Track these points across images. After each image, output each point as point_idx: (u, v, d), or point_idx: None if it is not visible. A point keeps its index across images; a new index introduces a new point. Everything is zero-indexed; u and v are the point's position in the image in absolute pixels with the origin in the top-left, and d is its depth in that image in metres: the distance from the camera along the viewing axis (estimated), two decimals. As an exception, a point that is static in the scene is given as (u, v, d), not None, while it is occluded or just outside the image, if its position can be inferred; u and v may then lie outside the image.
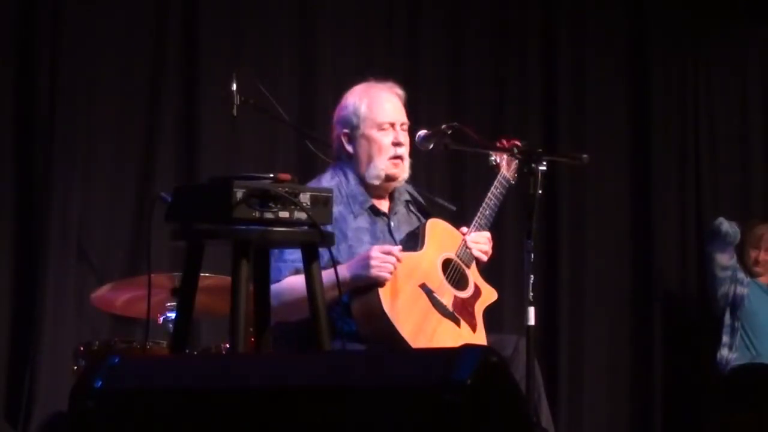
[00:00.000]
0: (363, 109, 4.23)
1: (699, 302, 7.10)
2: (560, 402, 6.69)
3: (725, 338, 6.65)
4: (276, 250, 4.04)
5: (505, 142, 4.46)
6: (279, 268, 4.05)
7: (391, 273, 4.02)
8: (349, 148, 4.24)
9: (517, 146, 4.38)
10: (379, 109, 4.24)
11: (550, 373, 6.45)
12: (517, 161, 4.32)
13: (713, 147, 7.36)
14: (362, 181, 4.25)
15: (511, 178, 4.39)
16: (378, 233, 4.24)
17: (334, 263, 3.68)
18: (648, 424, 7.03)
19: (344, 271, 4.03)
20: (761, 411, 6.32)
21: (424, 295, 4.11)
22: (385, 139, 4.23)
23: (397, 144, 4.23)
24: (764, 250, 6.81)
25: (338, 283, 3.65)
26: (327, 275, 3.67)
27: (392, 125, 4.25)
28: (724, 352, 6.63)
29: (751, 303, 6.71)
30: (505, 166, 4.40)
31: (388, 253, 4.03)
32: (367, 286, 4.04)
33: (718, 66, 7.42)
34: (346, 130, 4.25)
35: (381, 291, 4.01)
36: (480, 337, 4.17)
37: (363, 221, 4.23)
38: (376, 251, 4.03)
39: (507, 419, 2.59)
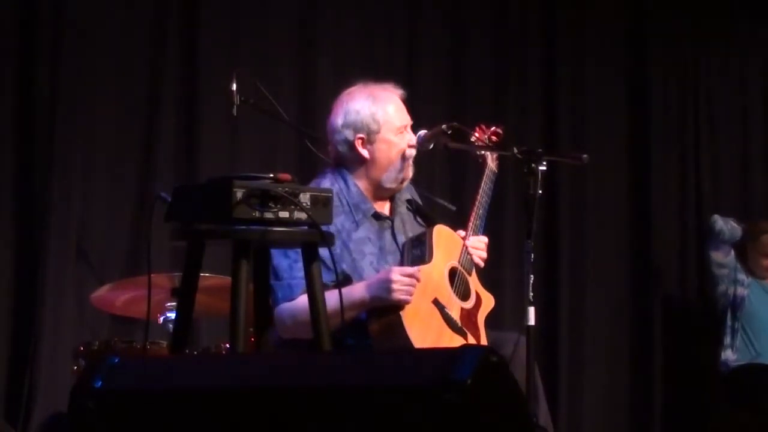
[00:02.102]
0: (381, 114, 4.18)
1: (699, 302, 7.10)
2: (560, 402, 6.69)
3: (727, 339, 6.64)
4: (285, 265, 4.02)
5: (484, 127, 4.47)
6: (290, 285, 4.03)
7: (411, 295, 3.99)
8: (365, 153, 4.18)
9: (498, 134, 4.39)
10: (395, 112, 4.22)
11: (550, 373, 6.45)
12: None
13: (713, 147, 7.37)
14: (368, 185, 4.21)
15: (495, 169, 4.38)
16: (380, 241, 4.22)
17: (339, 285, 3.68)
18: (648, 424, 7.03)
19: (363, 291, 4.01)
20: (762, 411, 6.33)
21: (437, 312, 4.08)
22: (403, 142, 4.21)
23: (411, 146, 4.23)
24: None
25: (341, 308, 3.63)
26: (345, 296, 3.68)
27: (405, 128, 4.25)
28: (727, 354, 6.62)
29: (752, 304, 6.71)
30: (490, 157, 4.39)
31: (410, 276, 4.00)
32: (385, 306, 4.01)
33: (718, 66, 7.42)
34: (361, 135, 4.18)
35: (403, 314, 3.99)
36: None
37: (365, 230, 4.19)
38: (396, 274, 3.99)
39: (507, 419, 2.59)
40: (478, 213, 4.28)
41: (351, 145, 4.20)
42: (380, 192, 4.24)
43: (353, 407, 2.57)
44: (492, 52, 6.83)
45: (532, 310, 3.96)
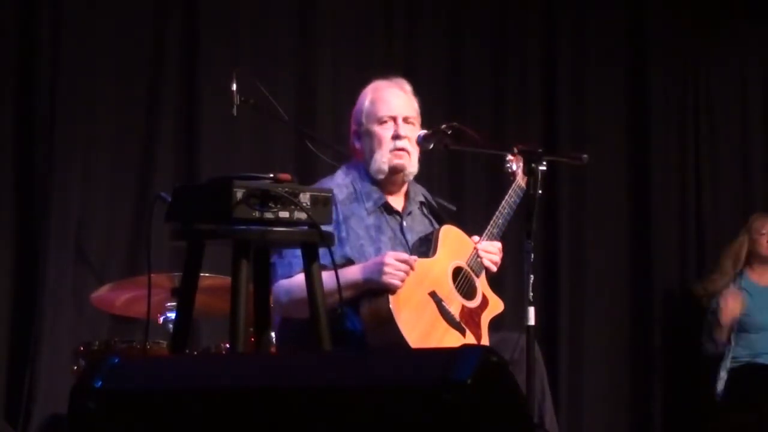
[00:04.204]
0: (366, 105, 4.28)
1: (699, 302, 7.09)
2: (560, 401, 6.68)
3: (722, 373, 6.60)
4: None
5: (521, 146, 4.47)
6: (291, 263, 4.06)
7: (402, 281, 4.02)
8: (357, 145, 4.30)
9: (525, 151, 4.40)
10: (380, 103, 4.27)
11: (550, 373, 6.44)
12: None
13: (713, 147, 7.36)
14: (372, 177, 4.29)
15: (525, 186, 4.37)
16: (389, 231, 4.25)
17: (335, 266, 3.69)
18: (648, 424, 7.03)
19: (357, 272, 4.06)
20: (761, 411, 6.32)
21: (433, 303, 4.10)
22: (385, 132, 4.25)
23: (396, 137, 4.24)
24: None
25: (339, 287, 3.63)
26: (334, 276, 3.68)
27: (393, 119, 4.26)
28: (719, 386, 6.58)
29: (748, 304, 6.68)
30: (521, 174, 4.37)
31: (404, 262, 4.03)
32: (378, 290, 4.03)
33: (718, 66, 7.42)
34: (355, 128, 4.31)
35: (391, 297, 4.01)
36: None
37: (375, 218, 4.25)
38: (390, 258, 4.03)
39: (507, 419, 2.59)
40: (497, 222, 4.31)
41: (351, 139, 4.35)
42: (384, 185, 4.29)
43: (353, 407, 2.57)
44: (492, 51, 6.82)
45: (532, 310, 3.96)
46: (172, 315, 4.79)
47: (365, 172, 4.28)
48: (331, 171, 4.42)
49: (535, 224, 4.03)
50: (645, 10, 7.21)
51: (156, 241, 3.62)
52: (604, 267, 7.02)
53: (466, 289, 4.20)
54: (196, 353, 4.92)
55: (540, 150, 4.11)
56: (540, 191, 4.02)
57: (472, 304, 4.20)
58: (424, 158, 4.42)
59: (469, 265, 4.21)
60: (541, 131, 6.89)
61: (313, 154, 4.71)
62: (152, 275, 3.66)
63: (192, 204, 3.47)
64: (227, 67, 4.72)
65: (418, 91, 4.41)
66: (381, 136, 4.24)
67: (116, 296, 5.07)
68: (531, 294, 3.96)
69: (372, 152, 4.25)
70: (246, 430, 2.65)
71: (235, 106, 4.42)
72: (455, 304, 4.15)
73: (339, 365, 2.73)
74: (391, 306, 3.99)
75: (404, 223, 4.30)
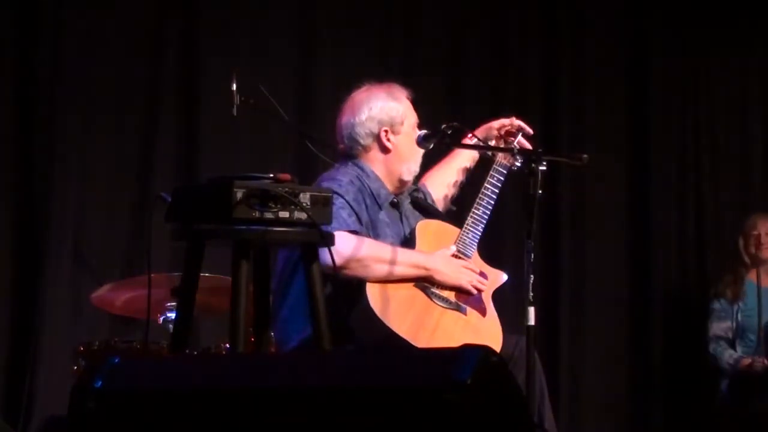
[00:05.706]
0: (403, 109, 4.37)
1: (698, 302, 7.09)
2: (560, 401, 6.68)
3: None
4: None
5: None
6: (345, 221, 4.11)
7: (477, 291, 4.24)
8: (389, 145, 4.33)
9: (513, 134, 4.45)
10: (411, 109, 4.40)
11: (550, 373, 6.45)
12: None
13: (713, 146, 7.36)
14: (387, 176, 4.34)
15: (508, 164, 4.40)
16: (396, 227, 4.34)
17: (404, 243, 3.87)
18: (648, 423, 7.03)
19: (426, 257, 4.19)
20: (761, 411, 6.32)
21: (421, 293, 4.18)
22: (416, 138, 4.34)
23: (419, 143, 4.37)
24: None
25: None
26: (404, 253, 4.08)
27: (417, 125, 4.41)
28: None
29: (748, 304, 6.67)
30: (501, 153, 4.42)
31: (480, 282, 4.26)
32: (359, 295, 4.06)
33: (719, 66, 7.42)
34: (386, 128, 4.34)
35: (372, 302, 4.04)
36: (491, 321, 4.27)
37: (385, 215, 4.32)
38: (473, 269, 4.23)
39: (507, 419, 2.59)
40: (480, 202, 4.38)
41: (376, 137, 4.34)
42: (395, 184, 4.36)
43: (353, 407, 2.57)
44: (491, 51, 6.82)
45: (532, 310, 3.96)
46: (172, 315, 4.79)
47: (371, 170, 4.33)
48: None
49: (535, 224, 4.03)
50: (645, 9, 7.20)
51: (156, 241, 3.63)
52: (604, 267, 7.02)
53: None
54: (196, 353, 4.91)
55: (540, 150, 4.12)
56: (540, 191, 4.03)
57: None
58: (424, 158, 4.44)
59: (457, 249, 4.26)
60: (541, 131, 6.87)
61: (313, 154, 4.70)
62: (152, 275, 3.67)
63: (192, 204, 3.47)
64: (227, 67, 4.71)
65: (417, 91, 4.45)
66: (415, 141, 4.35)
67: (116, 296, 5.07)
68: (531, 294, 3.97)
69: (411, 154, 4.35)
70: (246, 430, 2.65)
71: (235, 106, 4.41)
72: (447, 287, 4.23)
73: (339, 365, 2.73)
74: (374, 309, 4.04)
75: (402, 217, 4.39)
